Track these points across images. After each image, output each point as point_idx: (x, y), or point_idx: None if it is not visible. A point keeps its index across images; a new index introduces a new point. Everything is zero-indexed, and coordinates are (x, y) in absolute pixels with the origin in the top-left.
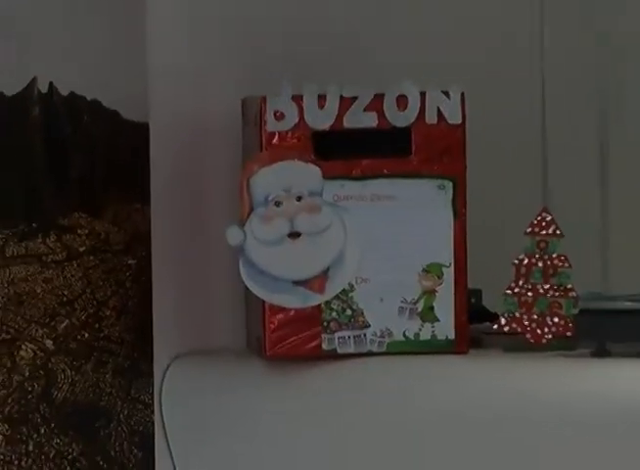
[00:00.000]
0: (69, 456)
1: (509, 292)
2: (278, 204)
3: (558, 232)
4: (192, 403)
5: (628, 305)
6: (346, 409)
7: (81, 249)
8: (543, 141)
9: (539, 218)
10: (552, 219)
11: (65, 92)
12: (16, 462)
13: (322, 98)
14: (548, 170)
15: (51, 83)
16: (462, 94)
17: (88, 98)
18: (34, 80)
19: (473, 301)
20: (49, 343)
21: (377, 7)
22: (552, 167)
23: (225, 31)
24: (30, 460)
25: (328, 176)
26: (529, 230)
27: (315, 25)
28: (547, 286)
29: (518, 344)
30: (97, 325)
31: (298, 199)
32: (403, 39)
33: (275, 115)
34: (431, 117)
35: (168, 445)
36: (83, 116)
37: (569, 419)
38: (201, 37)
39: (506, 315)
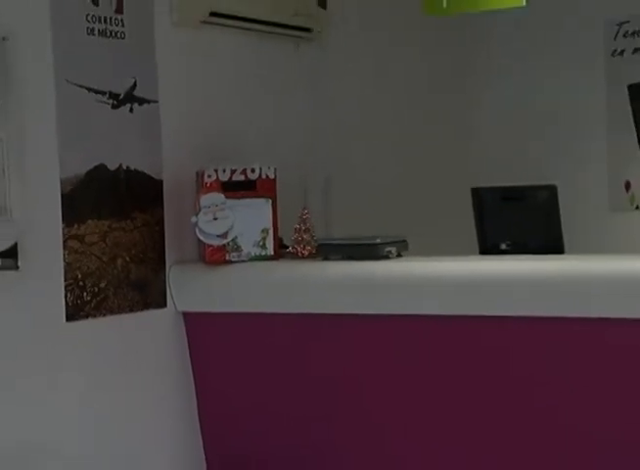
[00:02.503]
0: (136, 301)
1: (293, 238)
2: (210, 207)
3: (308, 216)
4: (180, 279)
5: (338, 241)
6: (236, 280)
7: (138, 224)
8: (305, 179)
9: (303, 211)
10: (308, 211)
11: (132, 168)
12: (114, 301)
13: (225, 169)
14: (307, 191)
15: (127, 166)
16: (275, 168)
17: (138, 169)
18: (121, 165)
19: (281, 241)
20: (127, 259)
21: (254, 123)
22: (309, 189)
23: (188, 141)
24: (122, 300)
25: (227, 197)
26: (299, 216)
27: (230, 135)
28: (306, 235)
29: (296, 257)
30: (145, 252)
31: (216, 206)
32: (259, 139)
33: (207, 175)
34: (264, 176)
35: (171, 292)
36: (136, 177)
37: (318, 282)
38: (182, 147)
39: (291, 247)
